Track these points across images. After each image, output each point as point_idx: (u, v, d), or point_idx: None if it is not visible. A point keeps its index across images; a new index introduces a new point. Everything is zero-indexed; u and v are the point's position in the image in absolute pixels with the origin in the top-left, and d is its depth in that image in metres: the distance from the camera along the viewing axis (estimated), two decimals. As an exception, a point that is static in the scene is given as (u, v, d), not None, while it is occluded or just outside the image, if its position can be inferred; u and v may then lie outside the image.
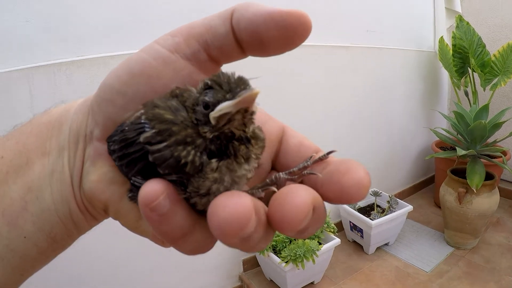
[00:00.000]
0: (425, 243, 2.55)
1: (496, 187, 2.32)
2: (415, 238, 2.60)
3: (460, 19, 2.70)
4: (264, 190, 0.27)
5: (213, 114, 0.24)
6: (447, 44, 2.87)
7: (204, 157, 0.25)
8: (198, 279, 2.00)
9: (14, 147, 0.32)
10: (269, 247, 1.96)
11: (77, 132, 0.31)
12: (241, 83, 0.24)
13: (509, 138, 2.42)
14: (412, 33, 2.92)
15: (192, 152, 0.25)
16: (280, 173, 0.29)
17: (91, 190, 0.30)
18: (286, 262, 1.88)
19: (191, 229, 0.25)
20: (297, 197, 0.22)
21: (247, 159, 0.27)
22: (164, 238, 0.25)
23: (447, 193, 2.39)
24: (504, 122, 2.29)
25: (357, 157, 2.58)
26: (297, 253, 1.87)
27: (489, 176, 2.28)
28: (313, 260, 1.90)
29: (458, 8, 3.04)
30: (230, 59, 0.28)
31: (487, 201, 2.26)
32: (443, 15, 3.07)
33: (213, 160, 0.25)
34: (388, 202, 2.53)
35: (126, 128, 0.27)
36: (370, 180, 0.24)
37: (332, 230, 2.12)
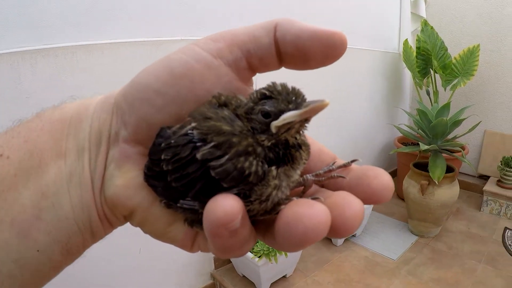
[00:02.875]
0: (391, 233, 2.56)
1: (456, 179, 2.38)
2: (381, 229, 2.61)
3: (425, 23, 2.74)
4: (315, 199, 0.25)
5: (277, 123, 0.24)
6: (411, 46, 2.92)
7: (266, 166, 0.24)
8: (169, 279, 1.88)
9: (22, 146, 0.27)
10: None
11: (99, 132, 0.28)
12: (299, 94, 0.25)
13: (467, 134, 2.48)
14: (378, 35, 2.93)
15: (254, 162, 0.23)
16: (308, 175, 0.29)
17: (116, 195, 0.27)
18: (259, 257, 1.82)
19: (250, 238, 0.25)
20: (354, 204, 0.22)
21: (299, 164, 0.26)
22: (224, 250, 0.24)
23: (410, 185, 2.41)
24: (463, 119, 2.34)
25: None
26: (270, 248, 1.82)
27: (449, 169, 2.33)
28: (285, 254, 1.86)
29: (423, 13, 3.09)
30: (267, 69, 0.28)
31: (448, 192, 2.30)
32: (408, 19, 3.12)
33: (273, 168, 0.24)
34: (354, 195, 2.51)
35: (173, 142, 0.24)
36: (393, 183, 0.25)
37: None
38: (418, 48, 2.78)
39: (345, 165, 0.29)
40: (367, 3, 2.72)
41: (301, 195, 0.29)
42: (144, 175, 0.27)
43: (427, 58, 2.77)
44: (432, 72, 2.85)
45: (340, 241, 2.40)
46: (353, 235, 2.48)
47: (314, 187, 0.30)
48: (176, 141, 0.24)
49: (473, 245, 2.40)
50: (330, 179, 0.29)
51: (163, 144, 0.25)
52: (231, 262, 2.12)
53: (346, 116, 2.78)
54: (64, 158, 0.27)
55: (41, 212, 0.26)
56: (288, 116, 0.24)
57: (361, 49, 2.74)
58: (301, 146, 0.27)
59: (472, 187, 3.20)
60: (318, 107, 0.23)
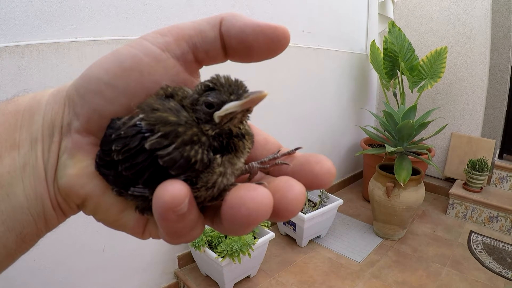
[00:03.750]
0: (356, 235, 2.51)
1: (422, 182, 2.33)
2: (346, 231, 2.55)
3: (392, 24, 2.71)
4: (259, 184, 0.25)
5: (219, 113, 0.25)
6: (378, 47, 2.88)
7: (211, 154, 0.25)
8: (133, 277, 1.82)
9: None
10: (205, 243, 1.85)
11: (51, 124, 0.28)
12: (241, 86, 0.25)
13: (434, 136, 2.45)
14: (345, 36, 2.89)
15: (200, 150, 0.24)
16: (253, 163, 0.30)
17: (69, 184, 0.27)
18: (222, 257, 1.77)
19: (197, 223, 0.25)
20: (296, 188, 0.23)
21: (243, 153, 0.27)
22: (173, 235, 0.25)
23: (376, 187, 2.36)
24: (430, 122, 2.30)
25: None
26: (234, 248, 1.78)
27: (415, 172, 2.28)
28: (249, 254, 1.82)
29: (391, 15, 3.06)
30: (212, 62, 0.28)
31: (413, 195, 2.25)
32: (376, 20, 3.08)
33: (218, 156, 0.25)
34: (320, 196, 2.46)
35: (123, 133, 0.25)
36: (335, 169, 0.26)
37: (266, 224, 2.06)
38: (385, 49, 2.74)
39: (289, 153, 0.29)
40: (335, 3, 2.68)
41: (247, 181, 0.30)
42: (95, 164, 0.27)
43: (394, 59, 2.73)
44: (399, 73, 2.81)
45: (304, 242, 2.34)
46: (318, 236, 2.42)
47: (260, 174, 0.31)
48: (126, 132, 0.25)
49: (438, 248, 2.36)
50: (274, 166, 0.30)
51: (113, 135, 0.25)
52: (195, 261, 2.06)
53: (313, 117, 2.72)
54: (18, 149, 0.27)
55: None
56: (230, 106, 0.24)
57: (328, 50, 2.69)
58: (245, 135, 0.27)
59: (438, 189, 3.17)
60: (258, 97, 0.24)
